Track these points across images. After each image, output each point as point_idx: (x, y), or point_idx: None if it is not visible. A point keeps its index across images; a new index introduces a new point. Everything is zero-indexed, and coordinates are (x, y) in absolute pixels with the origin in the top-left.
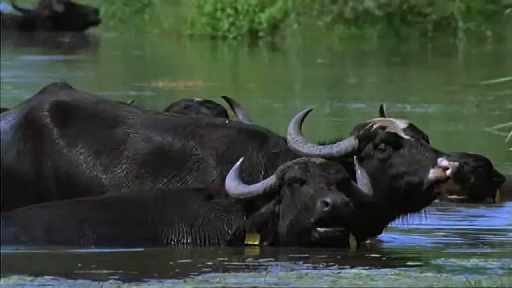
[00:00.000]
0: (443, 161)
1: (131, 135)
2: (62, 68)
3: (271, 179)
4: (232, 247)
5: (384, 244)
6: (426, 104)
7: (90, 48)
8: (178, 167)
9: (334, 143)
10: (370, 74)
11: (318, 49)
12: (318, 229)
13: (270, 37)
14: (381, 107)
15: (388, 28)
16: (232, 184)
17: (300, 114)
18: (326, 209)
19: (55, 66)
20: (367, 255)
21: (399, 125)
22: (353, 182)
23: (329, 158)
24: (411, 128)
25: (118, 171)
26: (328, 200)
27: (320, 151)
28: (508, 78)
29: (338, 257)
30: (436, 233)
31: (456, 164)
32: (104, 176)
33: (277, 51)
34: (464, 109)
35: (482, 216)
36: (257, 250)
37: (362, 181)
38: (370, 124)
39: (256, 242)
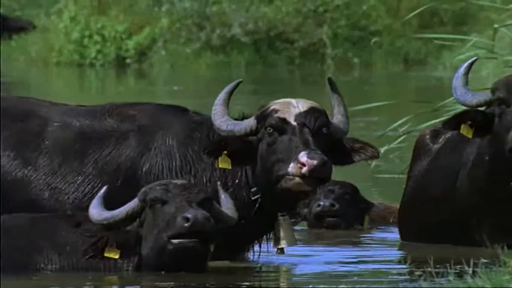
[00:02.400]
0: (303, 157)
1: (48, 125)
2: None
3: (133, 202)
4: (91, 258)
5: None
6: None
7: None
8: (102, 146)
9: None
10: (235, 101)
11: (186, 76)
12: (173, 240)
13: (137, 64)
14: (329, 79)
15: (255, 55)
16: (95, 211)
17: (230, 85)
18: (186, 224)
19: None
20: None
21: (296, 109)
22: (217, 204)
23: (232, 136)
24: (307, 113)
25: (41, 162)
26: (188, 215)
27: (227, 127)
28: (374, 104)
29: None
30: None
31: (314, 162)
32: (25, 171)
33: (145, 78)
34: None
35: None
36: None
37: (227, 205)
38: (268, 106)
39: (116, 257)
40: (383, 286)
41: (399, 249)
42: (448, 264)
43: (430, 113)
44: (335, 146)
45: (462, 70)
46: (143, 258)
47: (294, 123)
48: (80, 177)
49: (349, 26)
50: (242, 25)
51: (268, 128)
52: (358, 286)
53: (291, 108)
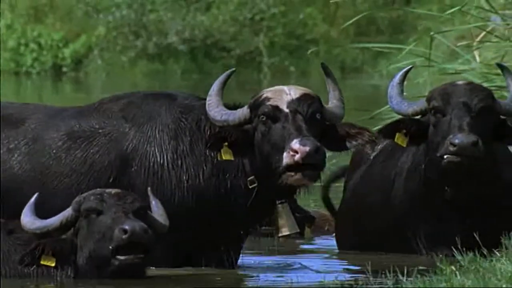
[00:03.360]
0: (295, 144)
1: (38, 128)
2: None
3: (67, 212)
4: (26, 266)
5: None
6: None
7: None
8: (91, 144)
9: None
10: None
11: (122, 84)
12: (118, 257)
13: (74, 72)
14: (322, 64)
15: (191, 63)
16: (28, 220)
17: (224, 75)
18: (124, 236)
19: None
20: None
21: (288, 96)
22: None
23: (227, 125)
24: (300, 99)
25: (35, 163)
26: (126, 227)
27: (221, 117)
28: None
29: None
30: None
31: (306, 149)
32: (20, 172)
33: (81, 86)
34: None
35: None
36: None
37: (158, 212)
38: (260, 94)
39: (52, 265)
40: None
41: (337, 258)
42: (385, 272)
43: (366, 121)
44: (329, 132)
45: (397, 78)
46: (79, 267)
47: (287, 110)
48: (68, 176)
49: (286, 34)
50: (178, 33)
51: (262, 116)
52: None
53: (284, 95)
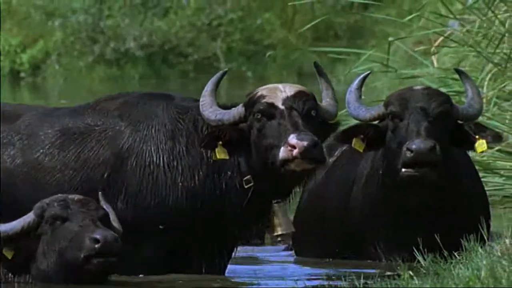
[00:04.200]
0: (292, 139)
1: (32, 125)
2: None
3: (29, 217)
4: None
5: None
6: None
7: None
8: (85, 141)
9: None
10: None
11: (79, 90)
12: (93, 260)
13: (31, 78)
14: (315, 63)
15: (149, 69)
16: None
17: (217, 75)
18: (97, 245)
19: None
20: None
21: (283, 94)
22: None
23: (222, 124)
24: (295, 97)
25: (28, 159)
26: (97, 236)
27: (216, 116)
28: None
29: None
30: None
31: (304, 143)
32: (12, 166)
33: (38, 92)
34: None
35: None
36: None
37: (112, 217)
38: (255, 92)
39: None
40: None
41: (294, 264)
42: (343, 278)
43: None
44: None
45: (355, 84)
46: (42, 272)
47: (282, 107)
48: (61, 172)
49: (244, 40)
50: (136, 38)
51: (257, 114)
52: None
53: (278, 92)
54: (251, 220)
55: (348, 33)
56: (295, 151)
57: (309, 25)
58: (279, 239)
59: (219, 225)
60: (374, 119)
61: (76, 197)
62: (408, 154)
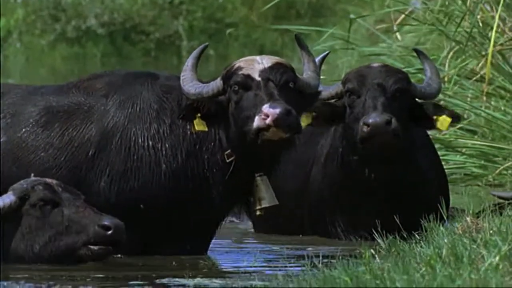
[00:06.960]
0: (266, 108)
1: (16, 103)
2: None
3: (9, 199)
4: None
5: None
6: None
7: None
8: (70, 120)
9: None
10: None
11: (41, 68)
12: (91, 247)
13: None
14: (296, 36)
15: (111, 47)
16: None
17: (197, 50)
18: (110, 232)
19: None
20: None
21: (260, 65)
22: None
23: (201, 98)
24: (272, 68)
25: (11, 137)
26: (106, 223)
27: (195, 90)
28: None
29: None
30: None
31: (277, 111)
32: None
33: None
34: None
35: None
36: None
37: None
38: (233, 64)
39: None
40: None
41: (253, 242)
42: (303, 256)
43: None
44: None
45: (316, 61)
46: (15, 254)
47: (259, 79)
48: (45, 151)
49: (205, 18)
50: (97, 16)
51: (234, 86)
52: (199, 276)
53: (256, 64)
54: (235, 194)
55: (310, 11)
56: (268, 120)
57: (271, 4)
58: (262, 212)
59: (203, 202)
60: (333, 98)
61: (55, 181)
62: (365, 128)
